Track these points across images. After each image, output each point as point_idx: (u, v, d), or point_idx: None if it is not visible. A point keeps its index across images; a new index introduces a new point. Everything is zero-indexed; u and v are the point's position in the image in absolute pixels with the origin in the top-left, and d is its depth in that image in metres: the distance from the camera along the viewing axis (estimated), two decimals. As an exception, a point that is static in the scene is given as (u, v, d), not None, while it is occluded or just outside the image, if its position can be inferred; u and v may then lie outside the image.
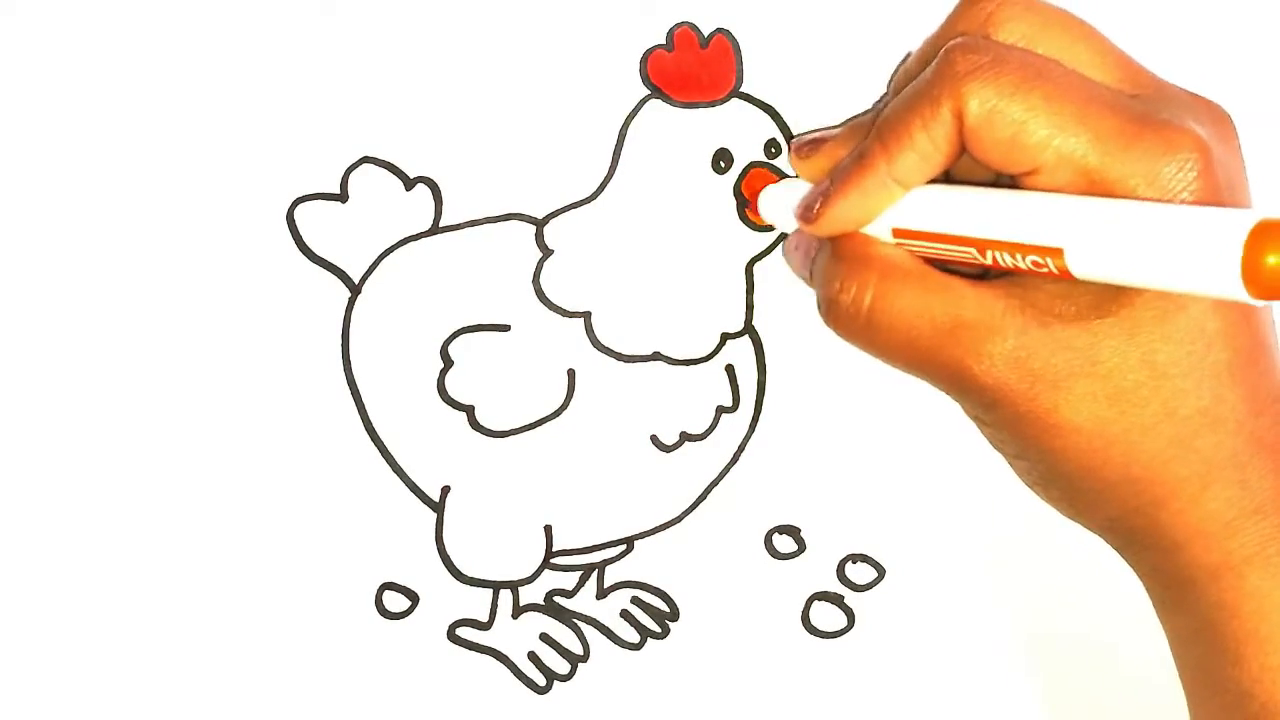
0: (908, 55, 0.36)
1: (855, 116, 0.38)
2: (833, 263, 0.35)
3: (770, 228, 0.45)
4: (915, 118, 0.33)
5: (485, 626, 0.46)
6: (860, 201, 0.35)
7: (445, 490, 0.45)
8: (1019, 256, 0.31)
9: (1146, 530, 0.34)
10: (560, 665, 0.46)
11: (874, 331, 0.34)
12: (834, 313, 0.35)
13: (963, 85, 0.32)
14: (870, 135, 0.34)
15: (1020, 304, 0.33)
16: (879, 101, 0.38)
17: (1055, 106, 0.31)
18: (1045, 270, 0.31)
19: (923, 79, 0.33)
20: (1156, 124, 0.31)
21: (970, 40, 0.33)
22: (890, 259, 0.34)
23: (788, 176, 0.45)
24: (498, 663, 0.46)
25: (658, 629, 0.46)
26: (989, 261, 0.32)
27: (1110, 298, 0.32)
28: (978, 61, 0.32)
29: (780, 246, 0.45)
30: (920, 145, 0.33)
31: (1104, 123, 0.31)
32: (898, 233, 0.34)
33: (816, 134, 0.38)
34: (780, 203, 0.39)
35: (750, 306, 0.45)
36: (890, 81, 0.39)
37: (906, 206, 0.34)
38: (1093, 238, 0.30)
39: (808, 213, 0.36)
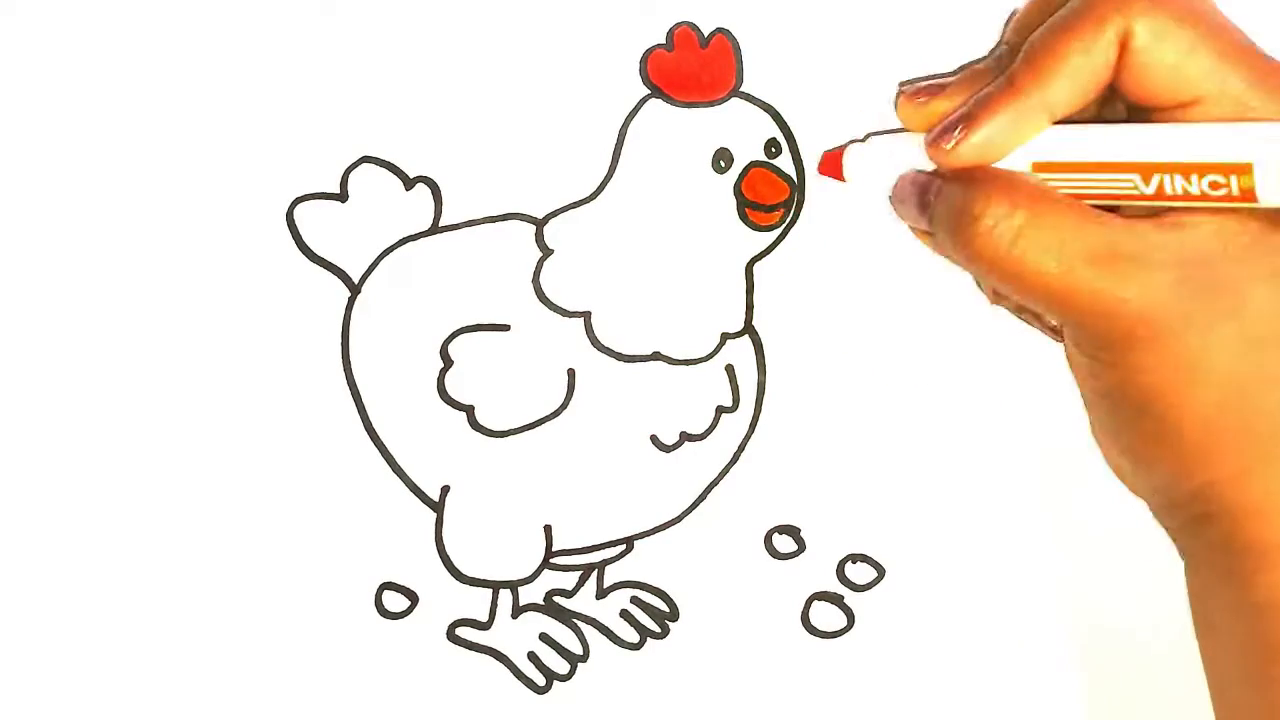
0: None
1: (971, 63, 0.37)
2: (972, 187, 0.34)
3: (771, 227, 0.45)
4: (1074, 40, 0.32)
5: (485, 626, 0.46)
6: (1008, 128, 0.33)
7: (445, 490, 0.45)
8: (1193, 179, 0.31)
9: (1243, 493, 0.33)
10: (560, 665, 0.46)
11: (1022, 254, 0.33)
12: (972, 237, 0.33)
13: (1132, 6, 0.31)
14: (1018, 61, 0.33)
15: (1176, 241, 0.32)
16: (995, 48, 0.37)
17: (1217, 41, 0.31)
18: (1221, 194, 0.31)
19: (1081, 1, 0.32)
20: None
21: None
22: (1037, 189, 0.33)
23: (788, 177, 0.45)
24: (497, 663, 0.46)
25: (657, 629, 0.46)
26: (1151, 190, 0.32)
27: (1264, 240, 0.31)
28: None
29: (775, 245, 0.45)
30: (1075, 69, 0.32)
31: (1258, 64, 0.31)
32: (1039, 167, 0.33)
33: (930, 80, 0.37)
34: (871, 159, 0.38)
35: (750, 306, 0.45)
36: (1006, 25, 0.38)
37: (1049, 140, 0.33)
38: None
39: (945, 138, 0.34)
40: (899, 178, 0.37)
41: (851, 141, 0.40)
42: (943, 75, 0.37)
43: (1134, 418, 0.34)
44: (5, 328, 0.45)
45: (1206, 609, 0.35)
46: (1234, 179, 0.30)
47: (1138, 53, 0.32)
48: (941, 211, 0.35)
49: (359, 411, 0.45)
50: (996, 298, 0.40)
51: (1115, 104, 0.36)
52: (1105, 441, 0.36)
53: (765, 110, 0.45)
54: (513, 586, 0.46)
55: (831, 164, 0.40)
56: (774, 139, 0.45)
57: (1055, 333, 0.38)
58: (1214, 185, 0.31)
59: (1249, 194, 0.30)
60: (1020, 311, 0.40)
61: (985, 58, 0.37)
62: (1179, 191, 0.32)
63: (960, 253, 0.34)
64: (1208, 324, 0.32)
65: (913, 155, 0.37)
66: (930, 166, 0.37)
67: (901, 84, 0.38)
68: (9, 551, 0.45)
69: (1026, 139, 0.34)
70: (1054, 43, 0.33)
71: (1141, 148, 0.32)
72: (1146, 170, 0.32)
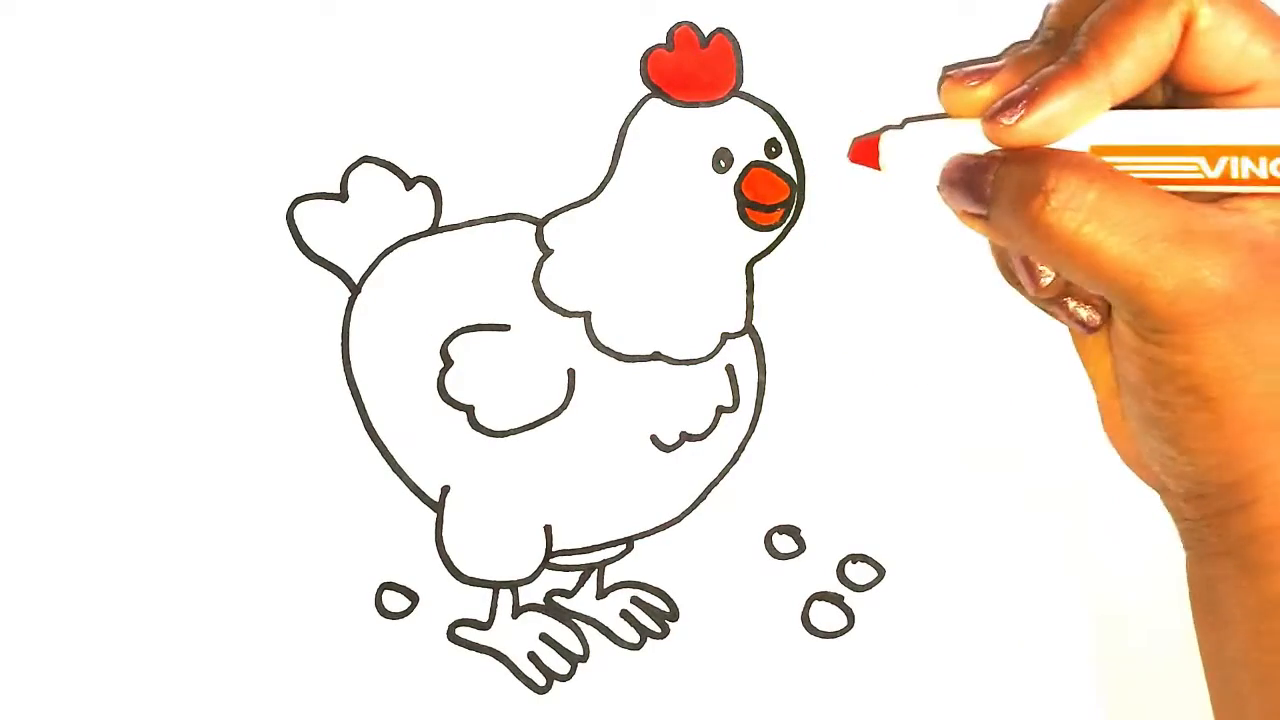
0: None
1: (1016, 45, 0.36)
2: (1041, 163, 0.33)
3: (771, 227, 0.45)
4: (1139, 20, 0.32)
5: (485, 626, 0.46)
6: (1072, 107, 0.33)
7: (445, 490, 0.45)
8: (1262, 162, 0.31)
9: None
10: (560, 665, 0.46)
11: (1095, 231, 0.32)
12: (1043, 213, 0.33)
13: None
14: (1082, 40, 0.33)
15: (1243, 225, 0.32)
16: (1038, 34, 0.36)
17: (1275, 27, 0.32)
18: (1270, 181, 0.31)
19: None
20: None
21: None
22: (1107, 165, 0.33)
23: (788, 176, 0.45)
24: (497, 662, 0.46)
25: (657, 629, 0.46)
26: (1216, 174, 0.32)
27: None
28: None
29: (775, 245, 0.45)
30: (1140, 50, 0.32)
31: None
32: (1098, 150, 0.33)
33: (978, 64, 0.36)
34: (910, 146, 0.36)
35: (750, 306, 0.45)
36: (1045, 12, 0.37)
37: (1106, 123, 0.33)
38: None
39: (1007, 113, 0.34)
40: (949, 160, 0.36)
41: (886, 128, 0.39)
42: (988, 59, 0.36)
43: (1191, 403, 0.34)
44: (5, 328, 0.45)
45: (1218, 602, 0.35)
46: None
47: (1201, 35, 0.32)
48: (1006, 189, 0.34)
49: (359, 411, 0.45)
50: (1035, 286, 0.38)
51: (1156, 91, 0.36)
52: (1142, 431, 0.36)
53: (765, 110, 0.45)
54: (513, 586, 0.46)
55: (864, 152, 0.39)
56: (774, 139, 0.45)
57: (1084, 326, 0.38)
58: None
59: None
60: (1050, 304, 0.39)
61: (1030, 42, 0.36)
62: (1245, 175, 0.32)
63: (1028, 231, 0.33)
64: (1273, 307, 0.32)
65: (955, 141, 0.36)
66: (978, 151, 0.36)
67: (946, 68, 0.37)
68: (9, 551, 0.45)
69: (1089, 119, 0.33)
70: (1119, 22, 0.33)
71: (1207, 131, 0.32)
72: (1213, 153, 0.32)
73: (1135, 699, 0.46)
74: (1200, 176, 0.32)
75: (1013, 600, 0.47)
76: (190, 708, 0.45)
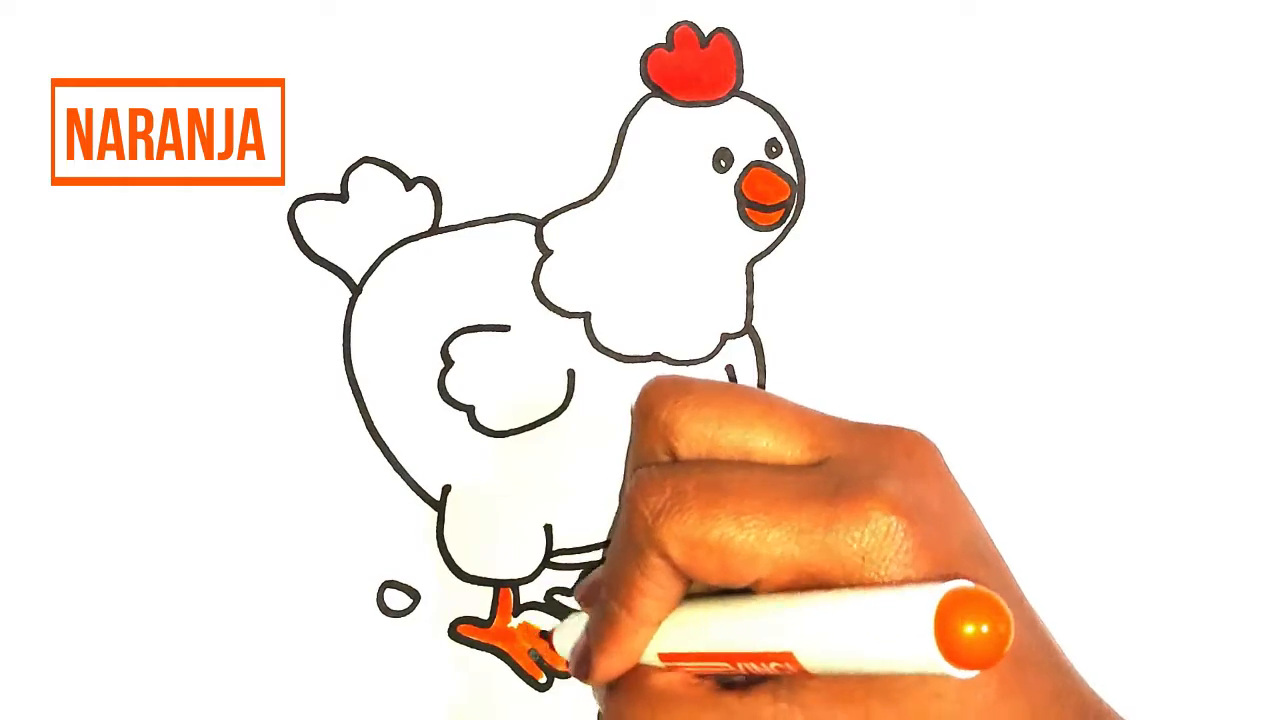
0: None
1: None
2: (613, 698, 0.36)
3: (771, 227, 0.45)
4: (633, 570, 0.34)
5: (486, 624, 0.46)
6: (620, 653, 0.35)
7: (446, 489, 0.45)
8: (765, 664, 0.32)
9: None
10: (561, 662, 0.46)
11: None
12: None
13: (656, 534, 0.32)
14: (604, 590, 0.35)
15: (788, 706, 0.33)
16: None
17: (748, 520, 0.32)
18: (792, 671, 0.32)
19: (622, 528, 0.34)
20: (846, 498, 0.31)
21: (647, 477, 0.33)
22: (662, 688, 0.35)
23: (788, 176, 0.45)
24: (499, 660, 0.46)
25: (658, 627, 0.46)
26: (743, 673, 0.33)
27: (864, 686, 0.32)
28: (658, 504, 0.33)
29: (775, 245, 0.45)
30: (650, 590, 0.34)
31: (797, 518, 0.32)
32: (664, 657, 0.35)
33: (595, 577, 0.40)
34: (570, 634, 0.40)
35: (750, 306, 0.45)
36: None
37: (673, 623, 0.35)
38: (815, 637, 0.31)
39: (580, 671, 0.37)
40: (571, 649, 0.39)
41: (560, 625, 0.44)
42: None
43: None
44: (6, 328, 0.45)
45: None
46: (788, 663, 0.32)
47: (684, 568, 0.33)
48: (597, 699, 0.38)
49: (361, 412, 0.45)
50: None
51: None
52: None
53: (765, 110, 0.45)
54: (514, 585, 0.46)
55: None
56: (774, 139, 0.45)
57: None
58: (780, 669, 0.32)
59: (805, 671, 0.32)
60: None
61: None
62: (763, 672, 0.33)
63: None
64: None
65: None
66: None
67: (576, 585, 0.42)
68: (13, 550, 0.45)
69: (642, 650, 0.35)
70: (620, 574, 0.34)
71: (717, 641, 0.34)
72: (730, 659, 0.33)
73: (1135, 699, 0.46)
74: (739, 670, 0.34)
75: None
76: (192, 705, 0.45)
